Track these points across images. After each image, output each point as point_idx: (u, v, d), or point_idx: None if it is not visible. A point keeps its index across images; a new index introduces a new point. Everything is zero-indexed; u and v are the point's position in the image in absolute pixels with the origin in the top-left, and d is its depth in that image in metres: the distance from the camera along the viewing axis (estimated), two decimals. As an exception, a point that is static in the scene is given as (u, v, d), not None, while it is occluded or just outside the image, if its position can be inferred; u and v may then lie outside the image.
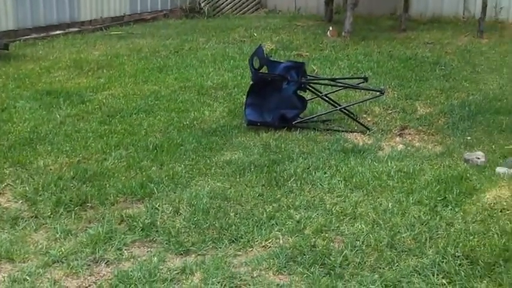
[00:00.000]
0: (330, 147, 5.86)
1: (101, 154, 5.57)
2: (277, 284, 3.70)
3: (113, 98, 7.25)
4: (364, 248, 4.03)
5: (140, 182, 4.94)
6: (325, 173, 5.17)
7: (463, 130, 6.45)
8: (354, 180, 5.00)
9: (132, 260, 3.96)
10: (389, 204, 4.58)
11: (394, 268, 3.84)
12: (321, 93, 6.80)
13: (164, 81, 7.95)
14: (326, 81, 7.16)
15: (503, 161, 5.54)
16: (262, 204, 4.62)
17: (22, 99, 7.17)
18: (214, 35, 11.00)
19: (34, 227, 4.34)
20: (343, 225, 4.31)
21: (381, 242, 4.08)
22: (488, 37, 10.73)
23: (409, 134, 6.51)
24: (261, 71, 6.46)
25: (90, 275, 3.81)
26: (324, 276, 3.76)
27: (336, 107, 6.62)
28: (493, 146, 5.97)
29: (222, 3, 14.18)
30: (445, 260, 3.88)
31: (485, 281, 3.71)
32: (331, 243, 4.08)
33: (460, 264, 3.85)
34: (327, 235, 4.18)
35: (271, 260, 3.91)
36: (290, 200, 4.67)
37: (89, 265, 3.90)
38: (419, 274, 3.77)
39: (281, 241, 4.12)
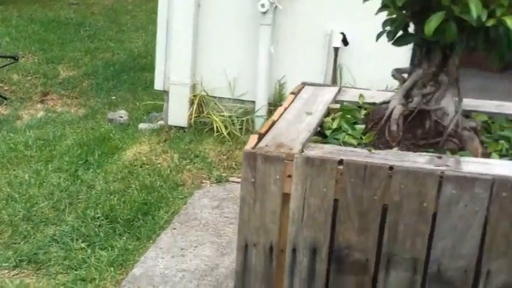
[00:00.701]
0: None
1: None
2: None
3: None
4: (-3, 225, 3.77)
5: None
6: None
7: (107, 90, 6.40)
8: (-13, 154, 4.66)
9: None
10: (26, 176, 4.33)
11: (30, 241, 3.64)
12: None
13: None
14: None
15: (146, 117, 5.61)
16: None
17: None
18: None
19: None
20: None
21: (16, 216, 3.84)
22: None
23: (52, 99, 6.28)
24: None
25: None
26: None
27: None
28: (138, 103, 6.02)
29: None
30: (84, 224, 3.79)
31: (124, 237, 3.70)
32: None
33: (99, 226, 3.80)
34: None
35: None
36: None
37: None
38: (58, 242, 3.63)
39: None
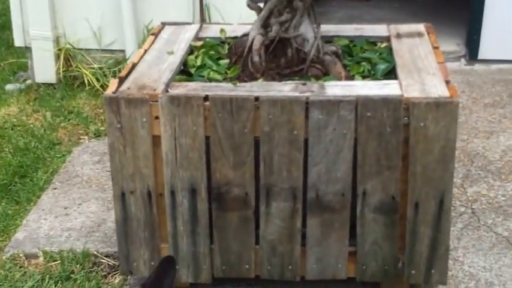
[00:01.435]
0: None
1: None
2: None
3: None
4: None
5: None
6: None
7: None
8: None
9: None
10: None
11: None
12: None
13: None
14: None
15: (13, 77, 5.38)
16: None
17: None
18: None
19: None
20: None
21: None
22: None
23: None
24: None
25: None
26: None
27: None
28: (1, 64, 5.72)
29: None
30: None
31: (3, 203, 3.57)
32: None
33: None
34: None
35: None
36: None
37: None
38: None
39: None
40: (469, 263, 2.99)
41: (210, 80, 2.69)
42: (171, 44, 2.97)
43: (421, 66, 2.69)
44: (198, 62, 2.83)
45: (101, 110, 4.54)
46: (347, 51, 2.92)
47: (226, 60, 2.82)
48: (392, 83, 2.57)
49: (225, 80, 2.69)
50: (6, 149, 4.08)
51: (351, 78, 2.73)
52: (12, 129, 4.34)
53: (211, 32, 3.13)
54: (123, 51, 4.88)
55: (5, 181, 3.75)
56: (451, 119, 2.41)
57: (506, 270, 2.93)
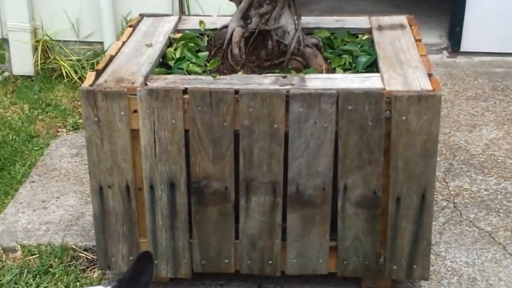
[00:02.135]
0: None
1: None
2: None
3: None
4: None
5: None
6: None
7: None
8: None
9: None
10: None
11: None
12: None
13: None
14: None
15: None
16: None
17: None
18: None
19: None
20: None
21: None
22: None
23: None
24: None
25: None
26: None
27: None
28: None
29: None
30: None
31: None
32: None
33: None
34: None
35: None
36: None
37: None
38: None
39: None
40: (452, 258, 2.97)
41: (189, 72, 2.65)
42: (150, 36, 2.92)
43: (403, 59, 2.66)
44: (177, 55, 2.78)
45: (79, 103, 4.47)
46: (328, 44, 2.89)
47: (206, 53, 2.78)
48: (374, 76, 2.54)
49: (204, 72, 2.65)
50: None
51: (332, 71, 2.69)
52: None
53: (191, 24, 3.08)
54: (101, 43, 4.82)
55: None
56: (433, 112, 2.39)
57: (489, 266, 2.92)
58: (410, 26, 2.99)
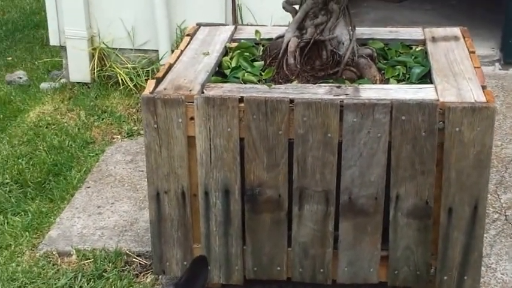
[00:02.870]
0: None
1: None
2: None
3: None
4: None
5: None
6: None
7: (1, 51, 6.13)
8: None
9: None
10: None
11: None
12: None
13: None
14: None
15: (47, 75, 5.44)
16: None
17: None
18: None
19: None
20: None
21: None
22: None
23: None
24: None
25: None
26: None
27: None
28: (36, 62, 5.81)
29: None
30: (-7, 191, 3.69)
31: (37, 201, 3.62)
32: None
33: (9, 191, 3.70)
34: None
35: None
36: None
37: None
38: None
39: None
40: (502, 270, 2.96)
41: (245, 81, 2.70)
42: (207, 45, 2.99)
43: (457, 70, 2.67)
44: (233, 64, 2.84)
45: (134, 110, 4.58)
46: (382, 54, 2.91)
47: (261, 62, 2.83)
48: (428, 87, 2.56)
49: (259, 81, 2.70)
50: (41, 147, 4.13)
51: (385, 81, 2.72)
52: (47, 127, 4.40)
53: (246, 33, 3.14)
54: (156, 51, 4.91)
55: (40, 179, 3.80)
56: (487, 124, 2.40)
57: (540, 278, 2.90)
58: (464, 37, 3.00)
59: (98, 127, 4.39)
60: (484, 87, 2.52)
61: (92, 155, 4.08)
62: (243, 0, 4.75)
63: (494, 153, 3.79)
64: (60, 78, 5.14)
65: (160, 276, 2.95)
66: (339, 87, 2.56)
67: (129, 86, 4.77)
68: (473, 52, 2.84)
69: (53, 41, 5.06)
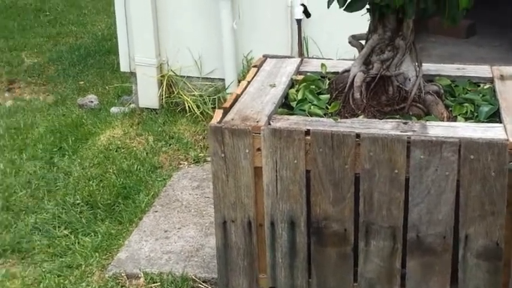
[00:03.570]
0: None
1: None
2: None
3: None
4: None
5: None
6: None
7: (74, 76, 6.34)
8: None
9: None
10: (1, 165, 4.33)
11: (12, 230, 3.66)
12: None
13: None
14: None
15: (117, 100, 5.60)
16: None
17: None
18: None
19: None
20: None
21: (-5, 208, 3.86)
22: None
23: (19, 87, 6.20)
24: None
25: None
26: None
27: None
28: (107, 87, 5.98)
29: None
30: (65, 211, 3.80)
31: (106, 222, 3.72)
32: None
33: (80, 212, 3.81)
34: None
35: None
36: None
37: None
38: (40, 230, 3.65)
39: None
40: None
41: (311, 114, 2.75)
42: (273, 76, 3.05)
43: (526, 109, 2.66)
44: (299, 96, 2.89)
45: (201, 137, 4.67)
46: (449, 91, 2.92)
47: (327, 95, 2.87)
48: (497, 127, 2.55)
49: (325, 115, 2.74)
50: (111, 170, 4.24)
51: (453, 119, 2.73)
52: (116, 151, 4.52)
53: (312, 66, 3.19)
54: (222, 79, 5.00)
55: (109, 201, 3.91)
56: (557, 165, 2.38)
57: None
58: (533, 75, 2.98)
59: (165, 152, 4.50)
60: (553, 127, 2.51)
61: (159, 179, 4.18)
62: (309, 33, 4.81)
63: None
64: (130, 104, 5.28)
65: (225, 303, 3.00)
66: (405, 123, 2.58)
67: (195, 113, 4.88)
68: (542, 90, 2.82)
69: (124, 67, 5.21)
